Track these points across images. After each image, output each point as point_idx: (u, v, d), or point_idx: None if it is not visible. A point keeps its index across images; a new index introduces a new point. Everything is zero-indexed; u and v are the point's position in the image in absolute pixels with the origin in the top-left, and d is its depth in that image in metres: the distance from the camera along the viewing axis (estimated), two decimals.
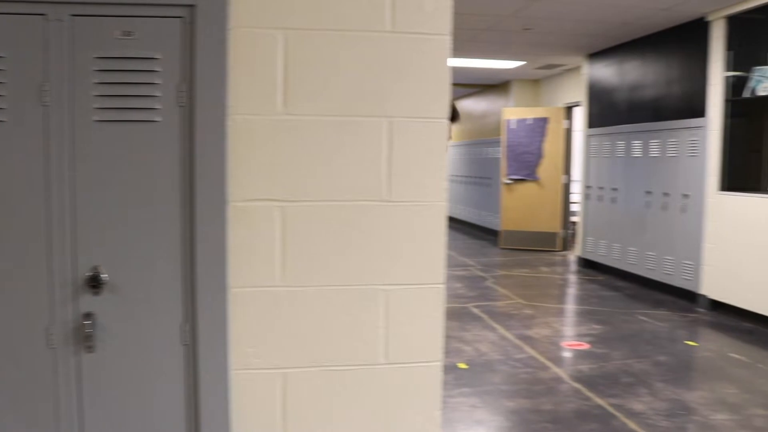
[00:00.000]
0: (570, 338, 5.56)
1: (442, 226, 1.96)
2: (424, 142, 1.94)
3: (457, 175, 14.17)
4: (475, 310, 6.38)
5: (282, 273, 1.90)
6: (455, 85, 12.08)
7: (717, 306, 6.39)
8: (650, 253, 7.36)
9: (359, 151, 1.91)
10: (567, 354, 5.10)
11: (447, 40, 1.92)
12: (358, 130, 1.91)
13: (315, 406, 1.96)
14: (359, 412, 1.98)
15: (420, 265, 1.96)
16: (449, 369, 4.60)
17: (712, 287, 6.43)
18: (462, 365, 4.72)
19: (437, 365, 2.01)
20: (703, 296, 6.52)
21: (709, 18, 6.41)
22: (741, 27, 6.24)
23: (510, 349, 5.12)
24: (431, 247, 1.96)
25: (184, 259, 1.85)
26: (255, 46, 1.84)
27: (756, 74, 6.06)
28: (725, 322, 6.05)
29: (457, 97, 14.51)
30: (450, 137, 2.99)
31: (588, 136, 8.86)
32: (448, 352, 4.97)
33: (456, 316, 6.15)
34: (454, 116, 3.07)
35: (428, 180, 1.95)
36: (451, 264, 9.14)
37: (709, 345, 5.48)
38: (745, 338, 5.56)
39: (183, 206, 1.84)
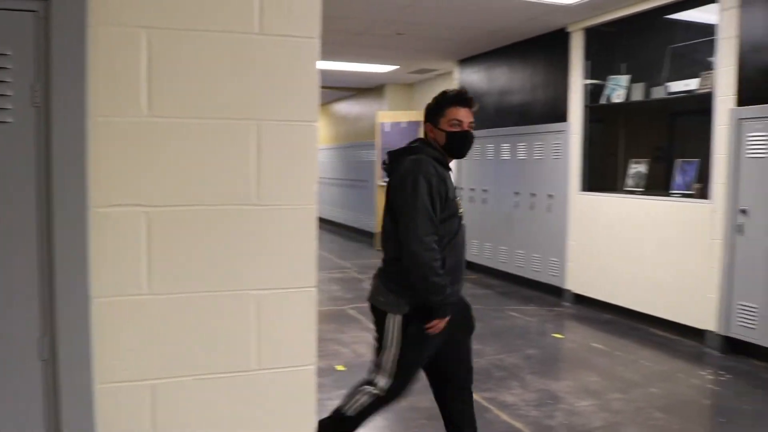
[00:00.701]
0: None
1: (313, 228, 1.95)
2: (293, 145, 1.92)
3: (332, 178, 14.20)
4: (353, 312, 6.41)
5: (148, 281, 1.83)
6: (330, 88, 12.13)
7: (580, 299, 6.77)
8: (519, 252, 7.69)
9: (227, 154, 1.87)
10: None
11: (316, 43, 1.91)
12: (226, 132, 1.86)
13: (187, 417, 1.90)
14: (233, 419, 1.94)
15: (291, 269, 1.94)
16: (327, 371, 4.59)
17: (575, 282, 6.81)
18: (340, 367, 4.72)
19: (311, 369, 1.99)
20: (568, 291, 6.90)
21: (570, 29, 6.79)
22: (597, 38, 6.66)
23: None
24: (302, 250, 1.95)
25: (41, 268, 1.73)
26: (117, 44, 1.76)
27: (611, 83, 6.49)
28: (588, 315, 6.42)
29: (331, 100, 14.56)
30: (472, 125, 2.95)
31: None
32: (326, 354, 4.96)
33: (333, 318, 6.16)
34: (470, 101, 2.99)
35: (298, 183, 1.93)
36: (328, 266, 9.14)
37: (573, 336, 5.80)
38: (605, 328, 5.92)
39: (40, 212, 1.72)
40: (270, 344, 1.95)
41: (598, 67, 6.68)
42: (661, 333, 5.72)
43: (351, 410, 2.87)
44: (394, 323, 2.82)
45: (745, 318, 4.95)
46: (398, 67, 9.89)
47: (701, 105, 5.38)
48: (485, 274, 8.45)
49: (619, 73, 6.49)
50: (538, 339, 5.59)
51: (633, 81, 6.31)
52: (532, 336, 5.67)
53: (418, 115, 10.66)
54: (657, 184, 6.18)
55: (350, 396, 2.91)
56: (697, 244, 5.35)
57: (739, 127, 4.96)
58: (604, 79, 6.61)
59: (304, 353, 1.98)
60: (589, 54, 6.68)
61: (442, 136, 2.88)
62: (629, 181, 6.42)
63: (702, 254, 5.30)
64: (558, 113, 7.00)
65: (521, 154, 7.64)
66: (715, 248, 5.19)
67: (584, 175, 6.74)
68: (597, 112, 6.75)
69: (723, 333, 5.13)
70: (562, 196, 6.94)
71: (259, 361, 1.94)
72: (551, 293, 7.17)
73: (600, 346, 5.37)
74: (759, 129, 4.82)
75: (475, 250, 8.64)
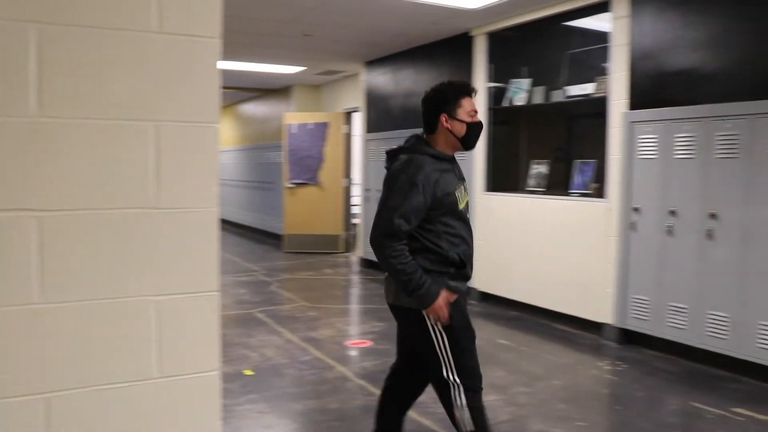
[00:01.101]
0: (354, 337, 5.72)
1: (215, 232, 1.91)
2: (193, 146, 1.87)
3: (239, 180, 13.98)
4: (260, 315, 6.33)
5: (41, 289, 1.73)
6: (236, 88, 11.93)
7: (487, 297, 6.94)
8: None
9: (124, 156, 1.79)
10: (351, 353, 5.23)
11: (217, 43, 1.86)
12: (122, 134, 1.79)
13: (85, 431, 1.81)
14: (135, 430, 1.87)
15: (192, 274, 1.89)
16: (235, 377, 4.51)
17: (482, 280, 6.96)
18: (248, 372, 4.65)
19: (215, 374, 1.95)
20: (474, 289, 7.04)
21: (473, 33, 6.94)
22: (500, 43, 6.84)
23: (296, 352, 5.15)
24: (203, 254, 1.90)
25: None
26: (2, 40, 1.66)
27: (513, 86, 6.69)
28: (494, 312, 6.59)
29: (237, 101, 14.33)
30: (477, 115, 2.88)
31: (366, 141, 9.19)
32: (233, 359, 4.88)
33: (241, 322, 6.06)
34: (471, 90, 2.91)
35: (198, 186, 1.88)
36: (235, 270, 8.99)
37: (480, 333, 5.83)
38: (511, 325, 6.09)
39: None
40: (172, 351, 1.89)
41: (501, 71, 6.87)
42: (563, 327, 5.94)
43: (470, 426, 2.78)
44: (432, 319, 2.77)
45: (639, 310, 5.21)
46: (305, 68, 9.85)
47: (597, 108, 5.62)
48: None
49: (520, 76, 6.70)
50: None
51: (534, 84, 6.52)
52: None
53: (326, 117, 10.66)
54: (557, 184, 6.41)
55: (453, 418, 2.82)
56: (594, 241, 5.59)
57: (631, 130, 5.22)
58: (506, 82, 6.80)
59: (208, 359, 1.93)
60: (493, 58, 6.85)
61: (462, 127, 2.82)
62: (531, 182, 6.64)
63: (599, 251, 5.54)
64: None
65: None
66: (611, 245, 5.43)
67: (488, 175, 6.91)
68: (500, 115, 6.94)
69: (619, 325, 5.38)
70: (471, 196, 7.06)
71: (161, 368, 1.88)
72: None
73: (506, 342, 5.51)
74: (649, 132, 5.09)
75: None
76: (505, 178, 6.96)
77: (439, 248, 2.75)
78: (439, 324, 2.75)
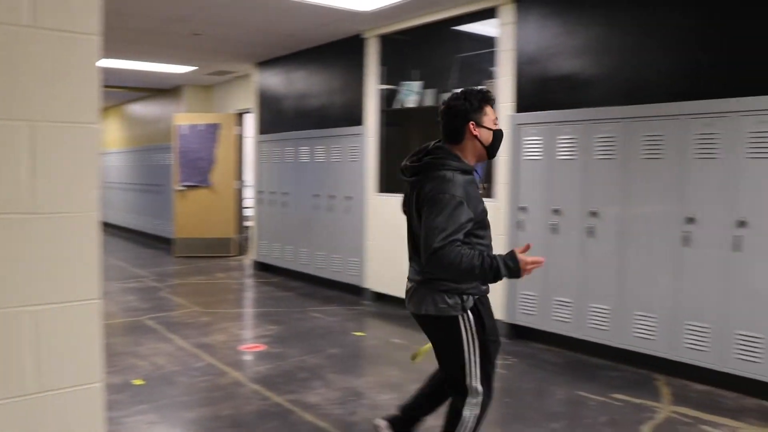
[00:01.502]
0: (247, 341, 5.63)
1: (96, 237, 1.83)
2: (71, 148, 1.78)
3: (127, 183, 13.47)
4: (150, 323, 6.12)
5: None
6: (122, 88, 11.49)
7: (380, 297, 7.00)
8: (320, 253, 7.79)
9: None
10: (245, 357, 5.15)
11: (96, 40, 1.79)
12: None
13: None
14: None
15: (72, 281, 1.80)
16: (124, 387, 4.34)
17: (374, 280, 7.02)
18: (138, 381, 4.48)
19: (98, 387, 1.87)
20: (368, 289, 7.10)
21: (365, 35, 6.99)
22: (392, 46, 6.92)
23: (187, 359, 5.01)
24: (83, 260, 1.81)
25: None
26: None
27: (404, 88, 6.78)
28: (387, 311, 6.65)
29: (124, 101, 13.80)
30: (498, 124, 2.86)
31: (259, 142, 9.07)
32: (121, 369, 4.69)
33: (129, 330, 5.84)
34: (492, 98, 2.88)
35: (77, 189, 1.79)
36: (123, 276, 8.65)
37: (374, 333, 5.98)
38: (404, 324, 6.15)
39: None
40: (51, 364, 1.79)
41: (393, 73, 6.95)
42: None
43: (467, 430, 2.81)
44: (467, 321, 2.79)
45: (526, 306, 5.41)
46: (196, 68, 9.61)
47: None
48: (287, 277, 8.46)
49: (412, 79, 6.80)
50: (340, 338, 5.68)
51: (425, 87, 6.64)
52: (335, 336, 5.75)
53: (217, 118, 10.45)
54: None
55: (454, 425, 2.83)
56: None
57: (517, 132, 5.41)
58: (398, 84, 6.89)
59: (90, 370, 1.85)
60: (384, 60, 6.93)
61: (489, 135, 2.83)
62: None
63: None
64: (355, 117, 7.18)
65: (320, 157, 7.75)
66: (500, 243, 5.59)
67: (380, 176, 6.98)
68: (392, 116, 7.02)
69: (509, 321, 5.56)
70: (360, 197, 7.14)
71: (39, 383, 1.78)
72: (352, 293, 7.34)
73: (399, 341, 5.58)
74: (533, 134, 5.30)
75: (276, 254, 8.62)
76: (396, 179, 7.02)
77: None
78: (473, 329, 2.78)
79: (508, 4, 5.49)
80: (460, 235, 2.64)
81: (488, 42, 5.86)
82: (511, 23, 5.49)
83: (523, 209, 5.40)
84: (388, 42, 6.91)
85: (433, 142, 2.93)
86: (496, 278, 2.66)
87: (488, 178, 5.85)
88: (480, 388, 2.81)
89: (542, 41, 5.32)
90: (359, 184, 7.14)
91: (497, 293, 5.60)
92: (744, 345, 4.21)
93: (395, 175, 6.94)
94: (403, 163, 2.94)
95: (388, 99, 6.96)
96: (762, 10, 4.13)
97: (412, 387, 4.39)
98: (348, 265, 7.37)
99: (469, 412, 2.82)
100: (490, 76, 5.84)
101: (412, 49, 6.97)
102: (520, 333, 5.54)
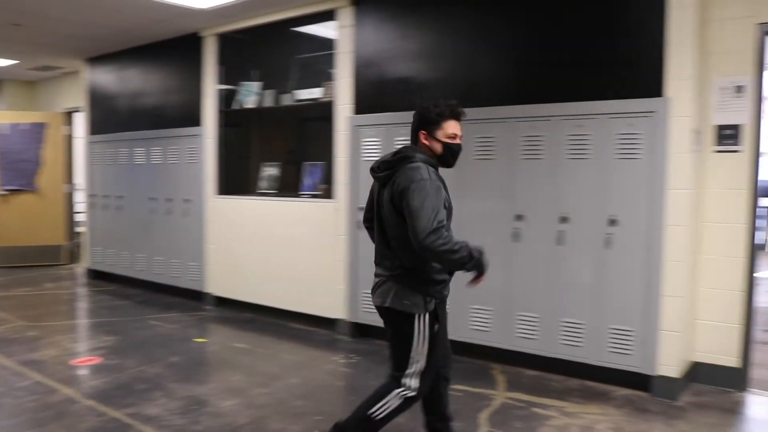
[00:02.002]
0: (81, 354, 5.31)
1: None
2: None
3: None
4: None
5: None
6: None
7: (222, 302, 6.86)
8: (158, 258, 7.50)
9: None
10: (78, 372, 4.85)
11: None
12: None
13: None
14: None
15: None
16: None
17: (216, 285, 6.87)
18: None
19: None
20: (209, 294, 6.93)
21: (203, 34, 6.82)
22: (230, 45, 6.80)
23: (11, 378, 4.64)
24: None
25: None
26: None
27: (243, 88, 6.69)
28: (229, 316, 6.54)
29: None
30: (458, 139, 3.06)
31: (90, 143, 8.57)
32: None
33: None
34: (462, 115, 3.10)
35: None
36: None
37: (216, 339, 5.85)
38: (246, 327, 6.09)
39: None
40: None
41: (232, 73, 6.83)
42: (299, 326, 6.07)
43: (381, 414, 2.98)
44: (423, 322, 2.96)
45: (368, 304, 5.51)
46: (17, 61, 8.89)
47: (325, 112, 5.83)
48: (123, 284, 8.07)
49: (251, 79, 6.72)
50: (181, 345, 5.51)
51: (265, 87, 6.59)
52: (175, 343, 5.57)
53: (43, 117, 9.77)
54: (289, 186, 6.54)
55: (377, 399, 3.01)
56: (325, 240, 5.80)
57: (356, 133, 5.51)
58: (237, 84, 6.78)
59: None
60: (223, 59, 6.79)
61: (439, 147, 3.03)
62: (263, 184, 6.70)
63: (330, 249, 5.76)
64: (193, 117, 6.99)
65: (156, 159, 7.46)
66: (340, 243, 5.68)
67: (220, 178, 6.84)
68: (231, 117, 6.90)
69: (352, 320, 5.65)
70: (199, 200, 6.95)
71: None
72: (193, 298, 7.13)
73: (242, 346, 5.50)
74: (371, 135, 5.41)
75: (111, 260, 8.20)
76: (236, 180, 6.94)
77: None
78: (426, 331, 2.96)
79: (347, 7, 5.57)
80: (445, 214, 2.89)
81: (327, 44, 5.91)
82: (350, 26, 5.58)
83: (362, 209, 5.47)
84: (227, 41, 6.78)
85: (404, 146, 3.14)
86: (472, 265, 2.87)
87: (328, 179, 5.91)
88: (414, 384, 3.00)
89: (380, 45, 5.45)
90: (198, 187, 6.95)
91: (340, 294, 5.68)
92: (568, 331, 4.55)
93: (235, 176, 6.90)
94: (376, 161, 3.12)
95: (227, 99, 6.83)
96: (580, 23, 4.50)
97: (257, 391, 4.37)
98: (188, 270, 7.15)
99: (395, 398, 3.01)
100: (329, 77, 5.89)
101: (252, 49, 6.88)
102: (364, 331, 5.65)
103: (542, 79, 4.65)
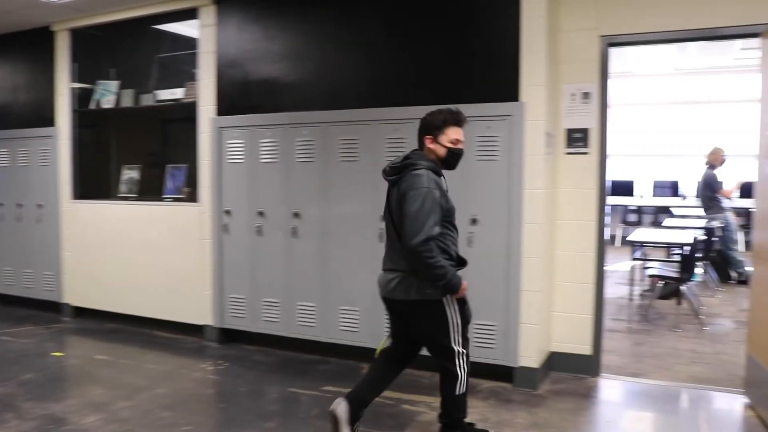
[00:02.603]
0: None
1: None
2: None
3: None
4: None
5: None
6: None
7: (82, 312, 6.51)
8: (8, 269, 7.00)
9: None
10: None
11: None
12: None
13: None
14: None
15: None
16: None
17: (74, 295, 6.51)
18: None
19: None
20: (67, 305, 6.56)
21: (55, 28, 6.43)
22: (85, 41, 6.46)
23: None
24: None
25: None
26: None
27: (100, 87, 6.38)
28: (90, 327, 6.22)
29: None
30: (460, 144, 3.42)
31: None
32: None
33: None
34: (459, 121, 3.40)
35: None
36: None
37: (75, 352, 5.55)
38: (108, 338, 5.82)
39: None
40: None
41: (87, 71, 6.50)
42: (165, 334, 5.87)
43: (463, 388, 3.40)
44: (451, 302, 3.32)
45: (236, 309, 5.43)
46: None
47: (188, 113, 5.67)
48: None
49: (108, 78, 6.42)
50: (36, 361, 5.17)
51: (123, 87, 6.31)
52: (30, 359, 5.22)
53: None
54: (150, 190, 6.30)
55: (453, 381, 3.37)
56: (190, 245, 5.64)
57: (219, 135, 5.40)
58: (93, 83, 6.46)
59: None
60: (77, 56, 6.44)
61: (443, 151, 3.37)
62: (123, 187, 6.42)
63: (195, 254, 5.61)
64: (44, 117, 6.57)
65: (3, 162, 6.96)
66: (206, 248, 5.54)
67: (76, 182, 6.48)
68: (88, 117, 6.56)
69: (219, 325, 5.53)
70: (53, 205, 6.56)
71: None
72: (49, 309, 6.71)
73: (104, 358, 5.25)
74: (235, 137, 5.33)
75: None
76: (94, 184, 6.60)
77: (448, 248, 3.32)
78: (455, 305, 3.32)
79: (209, 5, 5.44)
80: (439, 224, 3.22)
81: (190, 43, 5.74)
82: (212, 25, 5.45)
83: (227, 213, 5.40)
84: (82, 37, 6.43)
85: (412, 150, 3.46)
86: (445, 282, 3.21)
87: (192, 182, 5.75)
88: (462, 349, 3.37)
89: (243, 45, 5.37)
90: (52, 191, 6.55)
91: (206, 300, 5.55)
92: None
93: (93, 179, 6.56)
94: (388, 164, 3.45)
95: (82, 99, 6.47)
96: (443, 29, 4.65)
97: (120, 404, 4.18)
98: (42, 279, 6.73)
99: (460, 369, 3.37)
100: (191, 77, 5.73)
101: (109, 47, 6.57)
102: (231, 336, 5.55)
103: (405, 82, 4.75)
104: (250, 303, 5.36)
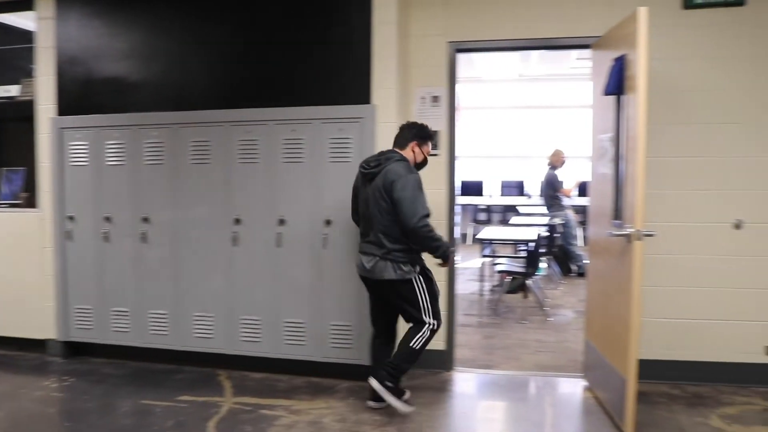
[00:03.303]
0: None
1: None
2: None
3: None
4: None
5: None
6: None
7: None
8: None
9: None
10: None
11: None
12: None
13: None
14: None
15: None
16: None
17: None
18: None
19: None
20: None
21: None
22: None
23: None
24: None
25: None
26: None
27: None
28: None
29: None
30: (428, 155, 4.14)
31: None
32: None
33: None
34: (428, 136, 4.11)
35: None
36: None
37: None
38: None
39: None
40: None
41: None
42: (2, 352, 5.44)
43: (419, 344, 3.91)
44: (419, 280, 3.94)
45: (82, 320, 5.14)
46: None
47: (25, 112, 5.29)
48: None
49: None
50: None
51: None
52: None
53: None
54: None
55: (414, 335, 3.92)
56: (30, 254, 5.27)
57: (61, 136, 5.08)
58: None
59: None
60: None
61: (422, 157, 4.07)
62: None
63: (35, 264, 5.25)
64: None
65: None
66: (47, 256, 5.20)
67: None
68: None
69: (64, 339, 5.21)
70: None
71: None
72: None
73: None
74: (79, 138, 5.04)
75: None
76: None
77: None
78: (423, 283, 3.94)
79: None
80: (427, 205, 3.81)
81: (26, 36, 5.36)
82: (50, 18, 5.12)
83: (71, 218, 5.09)
84: None
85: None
86: (442, 251, 3.88)
87: (29, 186, 5.38)
88: (431, 320, 3.95)
89: (86, 41, 5.08)
90: None
91: (49, 312, 5.21)
92: (291, 331, 4.66)
93: None
94: (366, 159, 4.01)
95: None
96: (297, 31, 4.64)
97: None
98: None
99: (426, 331, 3.94)
100: (29, 73, 5.36)
101: None
102: (78, 350, 5.25)
103: (259, 84, 4.70)
104: (98, 313, 5.09)
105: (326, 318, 4.60)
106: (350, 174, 4.42)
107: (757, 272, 4.41)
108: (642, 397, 4.10)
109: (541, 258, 7.20)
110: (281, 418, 3.98)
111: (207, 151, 4.74)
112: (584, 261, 8.40)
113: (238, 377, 4.74)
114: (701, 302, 4.47)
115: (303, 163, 4.56)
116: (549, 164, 8.85)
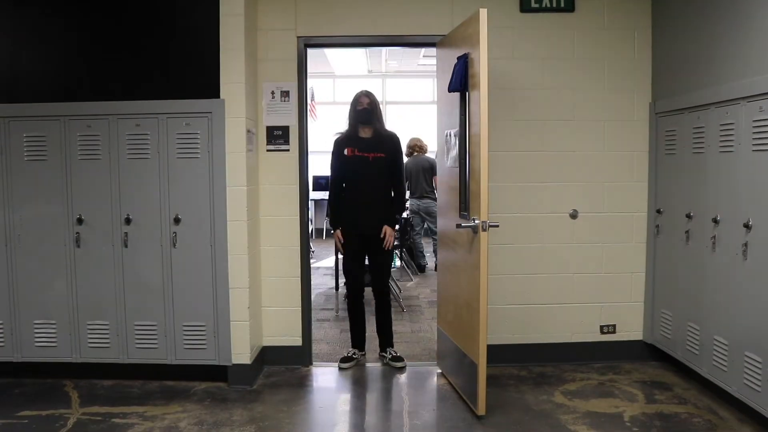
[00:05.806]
0: None
1: None
2: None
3: None
4: None
5: None
6: None
7: None
8: None
9: None
10: None
11: None
12: None
13: None
14: None
15: None
16: None
17: None
18: None
19: None
20: None
21: None
22: None
23: None
24: None
25: None
26: None
27: None
28: None
29: None
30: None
31: None
32: None
33: None
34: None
35: None
36: None
37: None
38: None
39: None
40: None
41: None
42: None
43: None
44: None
45: None
46: None
47: None
48: None
49: None
50: None
51: None
52: None
53: None
54: None
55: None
56: None
57: None
58: None
59: None
60: None
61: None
62: None
63: None
64: None
65: None
66: None
67: None
68: None
69: None
70: None
71: None
72: None
73: None
74: None
75: None
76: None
77: None
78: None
79: None
80: None
81: None
82: None
83: None
84: None
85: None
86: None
87: None
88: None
89: None
90: None
91: None
92: (142, 334, 4.47)
93: None
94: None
95: None
96: (138, 21, 4.47)
97: None
98: None
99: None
100: None
101: None
102: None
103: (98, 77, 4.47)
104: None
105: (179, 319, 4.45)
106: (199, 170, 4.32)
107: (592, 258, 4.79)
108: (492, 380, 4.32)
109: (395, 251, 7.35)
110: (135, 426, 3.81)
111: (43, 147, 4.43)
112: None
113: (87, 386, 4.48)
114: (544, 288, 4.79)
115: (149, 159, 4.38)
116: (417, 150, 8.67)
